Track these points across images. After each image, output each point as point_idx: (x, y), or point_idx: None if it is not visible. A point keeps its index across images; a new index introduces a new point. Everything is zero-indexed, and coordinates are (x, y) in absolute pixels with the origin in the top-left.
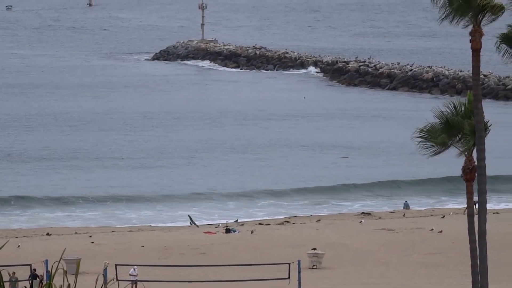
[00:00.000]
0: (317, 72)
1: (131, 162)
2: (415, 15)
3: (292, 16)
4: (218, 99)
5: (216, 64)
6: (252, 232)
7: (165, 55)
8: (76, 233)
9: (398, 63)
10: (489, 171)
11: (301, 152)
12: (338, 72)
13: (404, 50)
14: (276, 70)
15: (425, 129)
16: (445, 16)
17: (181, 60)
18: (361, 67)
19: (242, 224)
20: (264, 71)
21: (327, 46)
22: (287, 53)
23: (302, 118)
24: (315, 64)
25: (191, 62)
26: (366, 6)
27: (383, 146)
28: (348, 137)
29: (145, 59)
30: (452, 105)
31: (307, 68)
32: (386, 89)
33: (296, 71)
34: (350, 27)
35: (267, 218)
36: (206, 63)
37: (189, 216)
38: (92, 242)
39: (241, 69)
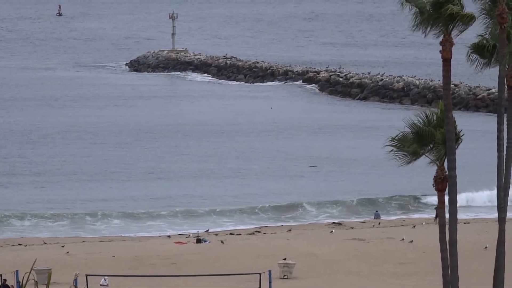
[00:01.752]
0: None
1: (97, 176)
2: (389, 25)
3: (262, 25)
4: (188, 111)
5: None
6: (222, 242)
7: (136, 65)
8: (44, 243)
9: (369, 73)
10: (462, 181)
11: (268, 162)
12: (310, 82)
13: (375, 60)
14: (246, 81)
15: (397, 138)
16: (416, 26)
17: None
18: (331, 76)
19: (216, 234)
20: (235, 82)
21: (296, 56)
22: (257, 63)
23: (268, 129)
24: (285, 73)
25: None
26: (338, 16)
27: (353, 156)
28: (316, 148)
29: (115, 70)
30: (424, 114)
31: (286, 77)
32: (357, 99)
33: (270, 83)
34: (321, 37)
35: (238, 228)
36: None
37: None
38: (67, 252)
39: (213, 77)
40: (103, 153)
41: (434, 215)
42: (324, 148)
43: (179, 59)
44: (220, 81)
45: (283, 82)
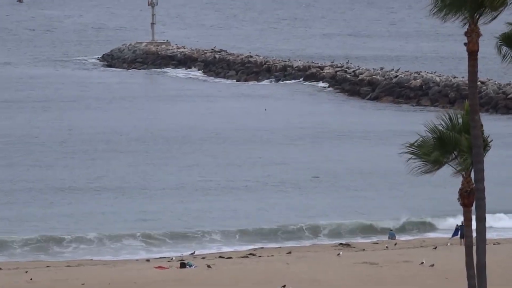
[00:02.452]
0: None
1: (61, 191)
2: (401, 12)
3: (252, 14)
4: (170, 115)
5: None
6: (209, 266)
7: (109, 60)
8: (1, 269)
9: (381, 68)
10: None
11: (262, 173)
12: (312, 78)
13: (386, 54)
14: (238, 78)
15: (415, 145)
16: (436, 12)
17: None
18: (338, 73)
19: (203, 258)
20: (225, 79)
21: (296, 49)
22: (251, 57)
23: (263, 136)
24: (284, 69)
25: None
26: (340, 2)
27: (363, 166)
28: (320, 156)
29: (84, 65)
30: (447, 117)
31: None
32: (367, 99)
33: (266, 82)
34: (322, 26)
35: (229, 250)
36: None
37: None
38: (31, 279)
39: (203, 74)
40: (69, 164)
41: (458, 235)
42: (329, 156)
43: (159, 52)
44: (208, 78)
45: (280, 80)
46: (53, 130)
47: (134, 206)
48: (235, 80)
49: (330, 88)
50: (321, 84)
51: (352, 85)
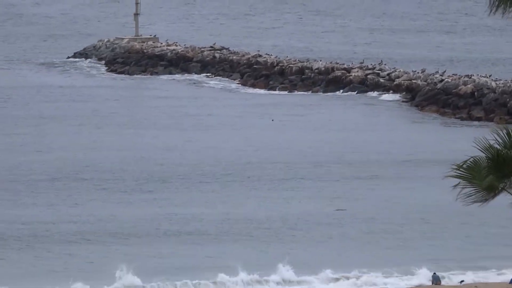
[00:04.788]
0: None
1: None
2: (448, 4)
3: (257, 3)
4: (156, 139)
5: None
6: None
7: (81, 59)
8: None
9: (423, 71)
10: None
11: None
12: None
13: (430, 53)
14: (244, 83)
15: (464, 166)
16: (499, 4)
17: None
18: (368, 76)
19: None
20: (227, 83)
21: (313, 47)
22: (260, 56)
23: (271, 160)
24: (300, 72)
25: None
26: None
27: (399, 196)
28: (343, 184)
29: (48, 68)
30: (505, 132)
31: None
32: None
33: (279, 92)
34: (342, 19)
35: None
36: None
37: None
38: None
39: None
40: (11, 207)
41: None
42: (353, 184)
43: (145, 51)
44: (206, 82)
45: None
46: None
47: (110, 251)
48: (240, 84)
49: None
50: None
51: (387, 91)
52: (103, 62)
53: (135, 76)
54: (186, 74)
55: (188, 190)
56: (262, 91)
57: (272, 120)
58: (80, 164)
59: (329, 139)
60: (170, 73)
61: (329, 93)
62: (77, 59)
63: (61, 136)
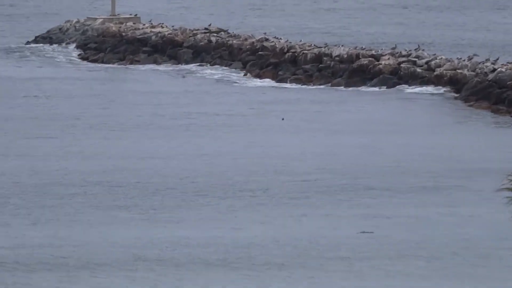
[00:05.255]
0: None
1: None
2: None
3: None
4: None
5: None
6: None
7: (45, 44)
8: None
9: (470, 58)
10: None
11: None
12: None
13: (478, 36)
14: (247, 72)
15: None
16: None
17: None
18: (402, 65)
19: None
20: (228, 72)
21: (333, 28)
22: (266, 40)
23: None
24: (318, 59)
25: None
26: None
27: (436, 212)
28: (371, 201)
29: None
30: None
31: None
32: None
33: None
34: None
35: None
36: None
37: None
38: None
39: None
40: None
41: None
42: (383, 200)
43: (124, 34)
44: (199, 73)
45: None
46: None
47: None
48: (242, 75)
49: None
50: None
51: (424, 83)
52: (74, 47)
53: (111, 65)
54: (174, 63)
55: (175, 207)
56: (269, 83)
57: (283, 119)
58: (40, 176)
59: (352, 144)
60: (155, 62)
61: (352, 87)
62: (39, 45)
63: (19, 140)
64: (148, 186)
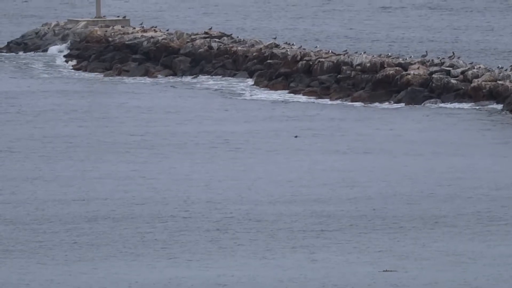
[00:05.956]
0: None
1: None
2: None
3: None
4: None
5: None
6: None
7: (19, 51)
8: None
9: None
10: None
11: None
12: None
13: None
14: (256, 83)
15: None
16: None
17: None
18: (433, 75)
19: None
20: (234, 82)
21: (352, 32)
22: (276, 46)
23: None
24: (336, 69)
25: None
26: None
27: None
28: (396, 235)
29: None
30: None
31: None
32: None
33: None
34: None
35: None
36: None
37: None
38: None
39: (180, 77)
40: None
41: None
42: (410, 235)
43: (111, 39)
44: (198, 85)
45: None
46: None
47: None
48: (251, 85)
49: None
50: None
51: (459, 96)
52: (63, 53)
53: (96, 75)
54: (169, 73)
55: (165, 243)
56: (279, 96)
57: (296, 136)
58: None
59: (375, 167)
60: (146, 72)
61: (376, 103)
62: (11, 54)
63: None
64: (133, 217)
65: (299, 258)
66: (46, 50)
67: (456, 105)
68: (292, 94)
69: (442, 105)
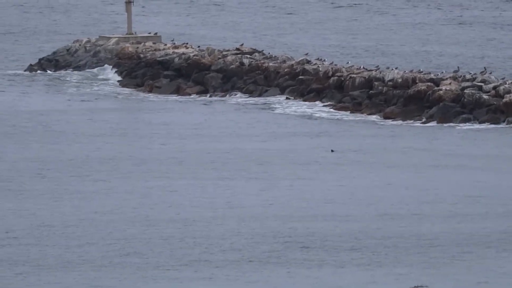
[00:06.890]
0: None
1: None
2: None
3: None
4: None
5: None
6: None
7: (50, 69)
8: None
9: None
10: None
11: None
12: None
13: None
14: (290, 96)
15: None
16: None
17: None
18: (465, 91)
19: None
20: (265, 100)
21: (383, 47)
22: (308, 62)
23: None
24: (368, 85)
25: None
26: None
27: None
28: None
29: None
30: None
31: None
32: None
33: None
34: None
35: None
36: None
37: None
38: None
39: (210, 96)
40: None
41: None
42: (442, 255)
43: (142, 55)
44: (229, 101)
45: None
46: None
47: None
48: (286, 102)
49: None
50: None
51: (492, 112)
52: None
53: (128, 90)
54: (201, 90)
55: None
56: (310, 111)
57: (332, 151)
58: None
59: (412, 184)
60: (178, 88)
61: (408, 120)
62: (43, 72)
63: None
64: (151, 248)
65: (328, 271)
66: (79, 67)
67: (488, 121)
68: (325, 108)
69: (471, 120)
